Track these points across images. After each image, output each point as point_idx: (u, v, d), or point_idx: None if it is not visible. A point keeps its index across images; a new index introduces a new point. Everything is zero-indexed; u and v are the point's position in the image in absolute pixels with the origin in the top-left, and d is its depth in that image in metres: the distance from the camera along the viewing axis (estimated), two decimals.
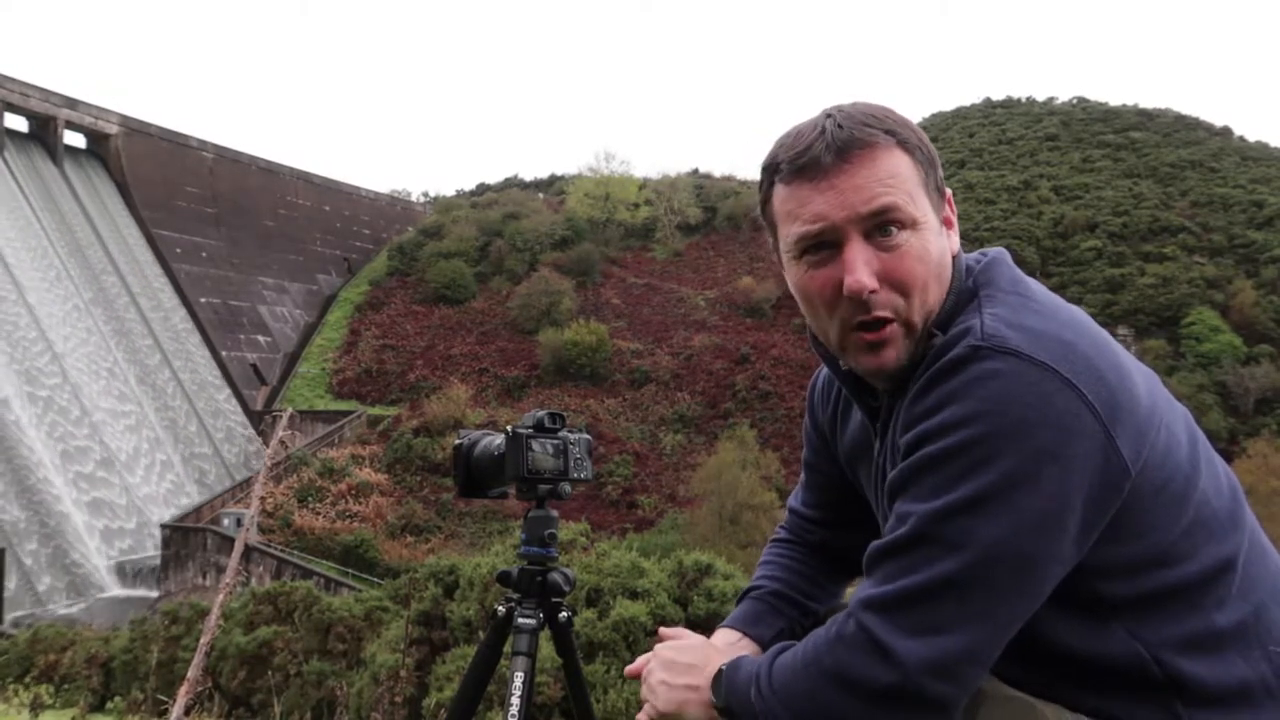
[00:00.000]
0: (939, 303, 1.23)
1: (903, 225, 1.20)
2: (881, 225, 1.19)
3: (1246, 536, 1.23)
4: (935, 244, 1.23)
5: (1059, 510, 1.08)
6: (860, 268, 1.19)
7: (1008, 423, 1.08)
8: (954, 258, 1.29)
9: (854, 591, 1.21)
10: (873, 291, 1.19)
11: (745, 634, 1.48)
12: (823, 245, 1.22)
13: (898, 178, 1.20)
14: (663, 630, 1.46)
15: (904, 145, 1.22)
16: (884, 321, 1.21)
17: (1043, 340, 1.12)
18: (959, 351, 1.14)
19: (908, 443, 1.16)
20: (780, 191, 1.25)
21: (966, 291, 1.24)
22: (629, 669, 1.45)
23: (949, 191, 1.30)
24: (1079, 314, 1.21)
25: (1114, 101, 77.89)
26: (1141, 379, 1.19)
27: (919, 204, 1.21)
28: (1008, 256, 1.30)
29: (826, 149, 1.20)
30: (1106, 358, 1.14)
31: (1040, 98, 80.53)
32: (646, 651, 1.44)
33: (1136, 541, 1.15)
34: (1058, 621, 1.17)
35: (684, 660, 1.36)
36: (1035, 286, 1.24)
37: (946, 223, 1.29)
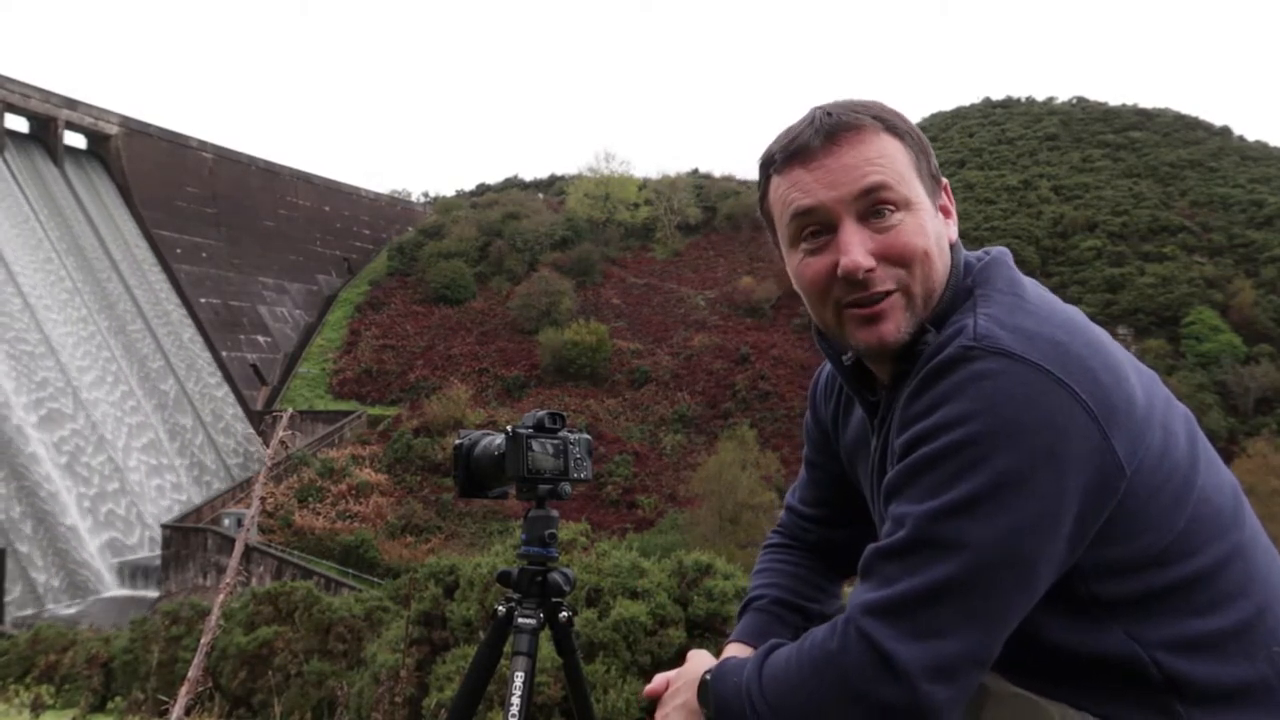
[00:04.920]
0: (941, 283, 1.24)
1: (896, 205, 1.21)
2: (875, 207, 1.21)
3: (1248, 535, 1.22)
4: (932, 225, 1.24)
5: (1055, 510, 1.08)
6: (855, 248, 1.20)
7: (1000, 423, 1.07)
8: (952, 248, 1.29)
9: (850, 595, 1.20)
10: (869, 270, 1.20)
11: (755, 648, 1.43)
12: (819, 231, 1.23)
13: (887, 158, 1.21)
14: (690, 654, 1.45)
15: (893, 130, 1.23)
16: (883, 294, 1.21)
17: (1036, 341, 1.12)
18: (951, 352, 1.14)
19: (902, 445, 1.16)
20: (775, 182, 1.28)
21: (964, 290, 1.24)
22: (646, 690, 1.44)
23: (945, 181, 1.31)
24: (1075, 315, 1.20)
25: (1114, 101, 78.00)
26: (1139, 379, 1.19)
27: (911, 185, 1.22)
28: (1008, 257, 1.30)
29: (815, 134, 1.22)
30: (1101, 358, 1.14)
31: (1040, 97, 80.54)
32: (648, 651, 1.44)
33: (1133, 541, 1.15)
34: (1055, 622, 1.16)
35: (676, 686, 1.36)
36: (1032, 287, 1.24)
37: (944, 210, 1.30)
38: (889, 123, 1.23)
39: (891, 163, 1.21)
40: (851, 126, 1.21)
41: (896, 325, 1.22)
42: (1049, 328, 1.14)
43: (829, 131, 1.21)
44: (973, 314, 1.18)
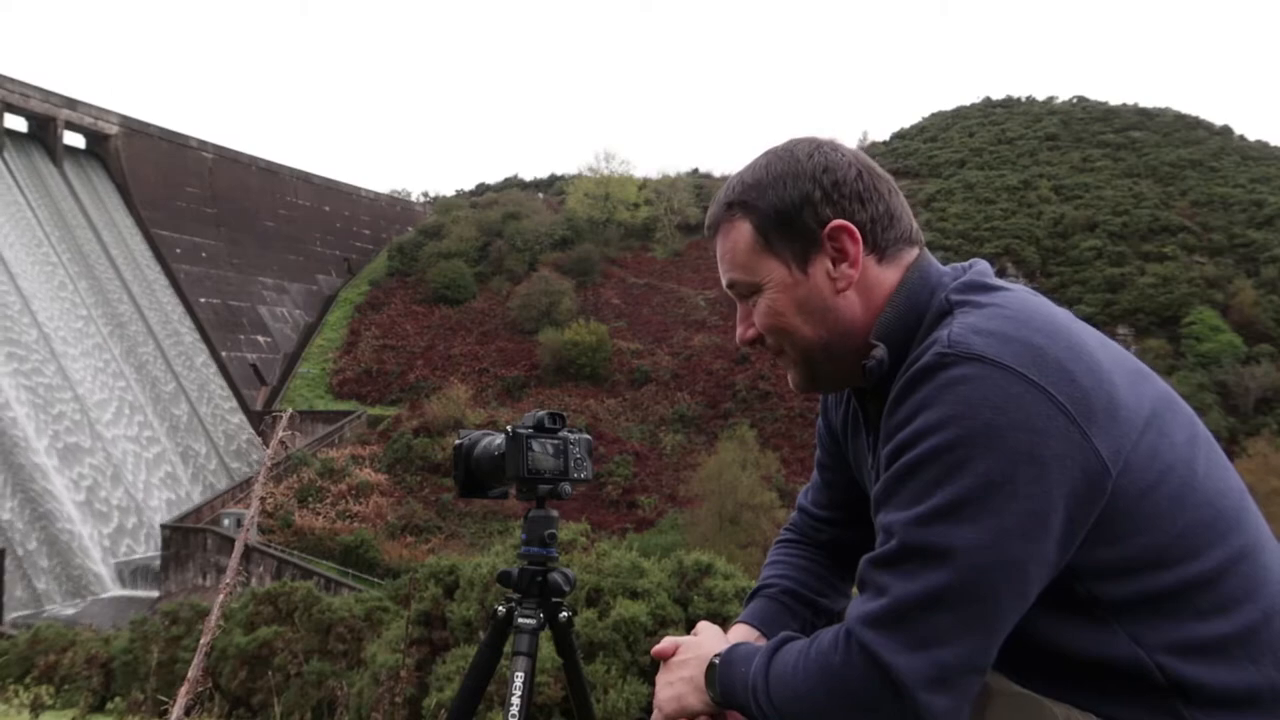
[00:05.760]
0: (831, 331, 1.31)
1: (748, 292, 1.34)
2: (738, 295, 1.37)
3: (1254, 540, 1.21)
4: (787, 296, 1.30)
5: (1041, 511, 1.08)
6: (738, 326, 1.39)
7: (978, 426, 1.09)
8: (846, 287, 1.28)
9: (849, 606, 1.21)
10: (750, 342, 1.37)
11: (761, 632, 1.47)
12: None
13: (736, 253, 1.33)
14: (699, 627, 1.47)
15: (748, 211, 1.32)
16: (776, 352, 1.37)
17: (1010, 345, 1.13)
18: (926, 360, 1.15)
19: (886, 455, 1.18)
20: None
21: (939, 305, 1.25)
22: (654, 649, 1.46)
23: (840, 222, 1.27)
24: (1059, 318, 1.20)
25: (1114, 101, 77.84)
26: (1128, 381, 1.18)
27: (759, 267, 1.32)
28: (985, 267, 1.32)
29: (708, 224, 1.39)
30: (1082, 360, 1.14)
31: (1040, 97, 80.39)
32: (647, 651, 1.45)
33: (1128, 542, 1.15)
34: (1058, 625, 1.17)
35: (683, 656, 1.38)
36: (1013, 294, 1.24)
37: (840, 254, 1.28)
38: (745, 203, 1.31)
39: (740, 255, 1.33)
40: (718, 221, 1.35)
41: (794, 379, 1.38)
42: (1027, 332, 1.15)
43: (711, 226, 1.37)
44: (950, 324, 1.19)
